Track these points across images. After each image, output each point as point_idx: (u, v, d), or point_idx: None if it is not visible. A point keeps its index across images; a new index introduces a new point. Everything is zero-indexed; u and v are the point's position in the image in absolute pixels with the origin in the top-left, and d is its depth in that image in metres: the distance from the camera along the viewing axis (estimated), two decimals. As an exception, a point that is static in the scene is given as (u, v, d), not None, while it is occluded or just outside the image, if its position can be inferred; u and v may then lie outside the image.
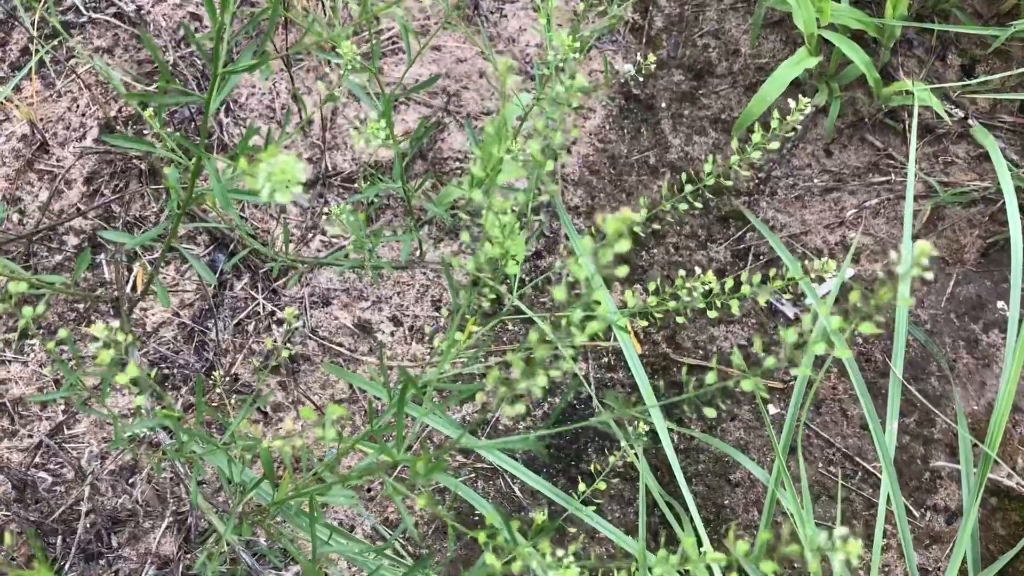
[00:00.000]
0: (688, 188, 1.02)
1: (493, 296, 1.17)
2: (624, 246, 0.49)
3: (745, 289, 0.98)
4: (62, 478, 1.34)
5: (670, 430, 1.35)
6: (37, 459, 1.35)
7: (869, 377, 1.39)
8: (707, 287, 1.06)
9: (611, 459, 1.20)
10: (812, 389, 1.33)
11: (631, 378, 1.39)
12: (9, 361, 1.43)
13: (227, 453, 1.02)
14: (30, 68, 1.56)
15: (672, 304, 1.06)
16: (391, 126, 1.03)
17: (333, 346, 1.43)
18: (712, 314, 0.99)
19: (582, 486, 1.20)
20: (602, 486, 1.16)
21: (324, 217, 1.51)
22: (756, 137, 0.92)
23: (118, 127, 1.56)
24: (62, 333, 0.87)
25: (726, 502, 1.34)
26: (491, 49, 1.63)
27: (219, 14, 0.81)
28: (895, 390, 1.15)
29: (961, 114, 1.52)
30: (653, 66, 1.13)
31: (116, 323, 1.17)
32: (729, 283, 1.02)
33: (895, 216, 1.49)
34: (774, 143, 0.90)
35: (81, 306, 1.45)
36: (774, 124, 0.91)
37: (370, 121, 0.93)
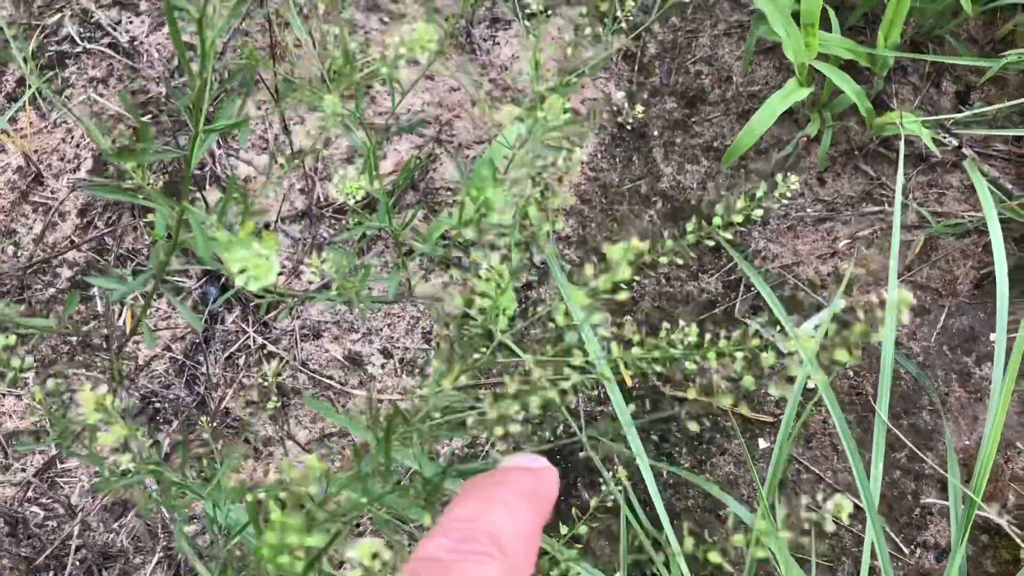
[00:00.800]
0: (669, 243, 1.02)
1: (482, 331, 1.16)
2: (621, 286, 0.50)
3: (722, 344, 0.97)
4: (54, 513, 1.35)
5: (658, 468, 1.35)
6: (29, 493, 1.36)
7: (860, 411, 1.38)
8: (690, 339, 1.05)
9: (592, 501, 1.20)
10: (800, 420, 1.32)
11: (620, 412, 1.39)
12: (3, 395, 1.44)
13: (211, 498, 1.02)
14: (24, 101, 1.57)
15: (656, 355, 1.05)
16: (374, 171, 1.03)
17: (323, 379, 1.44)
18: (691, 366, 0.99)
19: (564, 528, 1.20)
20: (583, 530, 1.15)
21: (314, 254, 1.52)
22: (737, 215, 0.91)
23: (111, 160, 1.57)
24: (51, 384, 0.87)
25: (715, 538, 1.33)
26: (479, 87, 1.62)
27: (199, 73, 0.81)
28: (880, 433, 1.14)
29: (955, 143, 1.51)
30: (641, 115, 1.13)
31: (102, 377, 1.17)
32: (712, 348, 1.01)
33: (888, 247, 1.48)
34: (758, 211, 0.90)
35: (74, 339, 1.46)
36: (760, 193, 0.91)
37: (348, 179, 0.93)
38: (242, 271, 0.50)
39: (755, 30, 1.51)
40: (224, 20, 0.82)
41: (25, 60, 1.31)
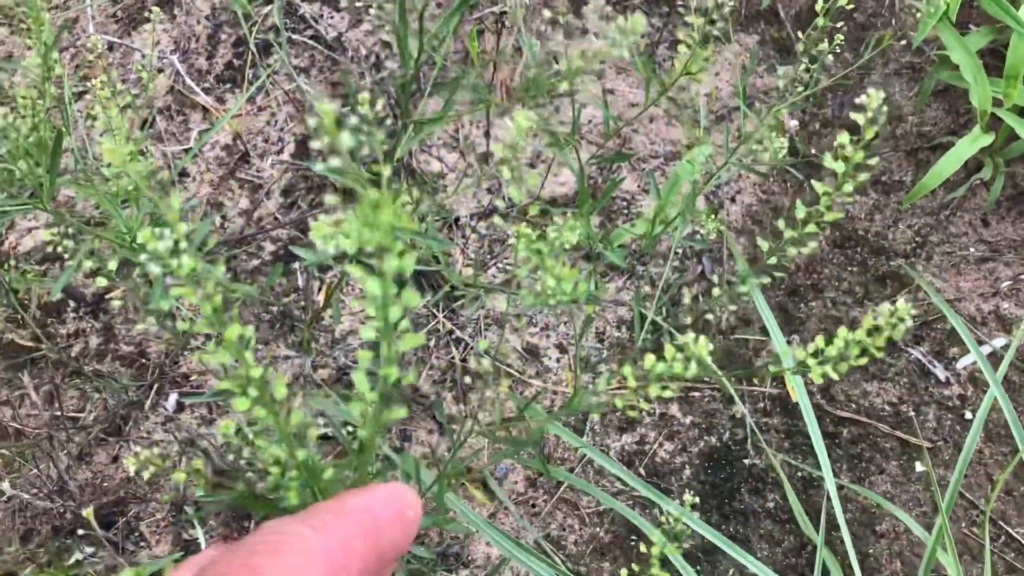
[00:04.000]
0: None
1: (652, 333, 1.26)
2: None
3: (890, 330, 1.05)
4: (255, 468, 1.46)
5: (817, 478, 1.43)
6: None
7: (1015, 447, 1.45)
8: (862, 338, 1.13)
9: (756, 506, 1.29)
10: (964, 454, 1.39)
11: (786, 424, 1.47)
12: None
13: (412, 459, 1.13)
14: (254, 87, 1.70)
15: (832, 354, 1.13)
16: (584, 180, 1.13)
17: (503, 367, 1.54)
18: (862, 362, 1.06)
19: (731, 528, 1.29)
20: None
21: (502, 244, 1.62)
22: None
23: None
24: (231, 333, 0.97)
25: (871, 551, 1.41)
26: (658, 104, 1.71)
27: (410, 67, 0.91)
28: (1059, 466, 1.21)
29: (1122, 197, 1.57)
30: (797, 132, 1.20)
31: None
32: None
33: (1049, 291, 1.54)
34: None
35: (275, 309, 1.58)
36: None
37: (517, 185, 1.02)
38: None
39: (935, 74, 1.59)
40: (439, 25, 0.91)
41: (247, 44, 1.43)
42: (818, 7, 1.08)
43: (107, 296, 1.59)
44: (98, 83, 1.15)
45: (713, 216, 1.37)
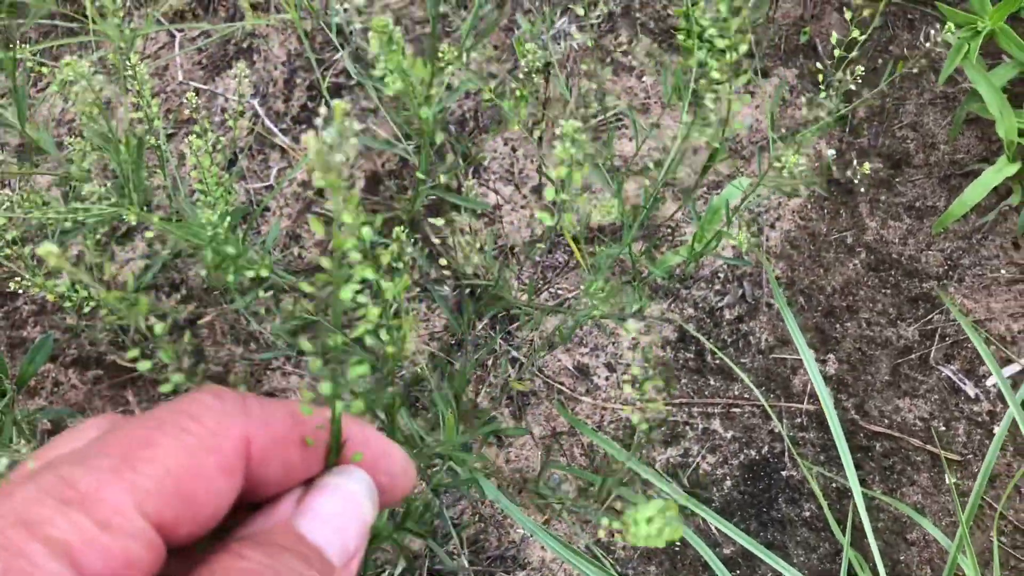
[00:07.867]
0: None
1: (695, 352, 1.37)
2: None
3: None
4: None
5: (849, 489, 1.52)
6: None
7: (1044, 459, 1.52)
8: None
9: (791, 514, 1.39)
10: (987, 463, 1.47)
11: (821, 439, 1.57)
12: (289, 373, 1.72)
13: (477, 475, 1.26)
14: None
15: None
16: (622, 204, 1.25)
17: (556, 384, 1.67)
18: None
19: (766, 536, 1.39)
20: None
21: (555, 272, 1.75)
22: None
23: (384, 180, 1.84)
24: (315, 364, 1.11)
25: (901, 558, 1.50)
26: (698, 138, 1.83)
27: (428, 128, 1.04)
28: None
29: None
30: (867, 172, 1.30)
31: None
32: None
33: (1079, 311, 1.61)
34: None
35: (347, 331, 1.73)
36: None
37: (604, 201, 1.14)
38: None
39: (966, 105, 1.67)
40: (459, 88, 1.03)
41: (320, 88, 1.57)
42: (833, 39, 1.18)
43: (198, 321, 1.76)
44: (194, 137, 1.31)
45: (747, 230, 1.48)
